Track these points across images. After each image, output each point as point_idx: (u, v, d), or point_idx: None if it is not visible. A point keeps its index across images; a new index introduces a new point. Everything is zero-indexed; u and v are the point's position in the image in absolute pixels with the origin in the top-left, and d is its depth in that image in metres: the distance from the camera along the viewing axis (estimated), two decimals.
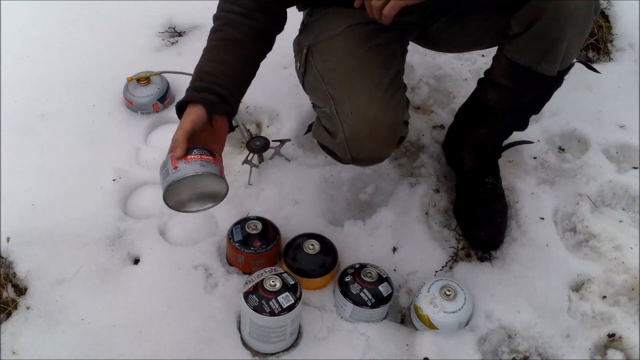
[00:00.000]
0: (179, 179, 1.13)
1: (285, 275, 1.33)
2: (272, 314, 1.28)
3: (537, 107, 1.53)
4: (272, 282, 1.31)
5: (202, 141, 1.21)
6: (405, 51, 1.51)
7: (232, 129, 1.32)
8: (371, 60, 1.37)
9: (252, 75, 1.34)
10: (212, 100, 1.22)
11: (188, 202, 1.21)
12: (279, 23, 1.38)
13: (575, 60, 1.41)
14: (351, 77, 1.36)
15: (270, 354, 1.38)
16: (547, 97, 1.50)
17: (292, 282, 1.33)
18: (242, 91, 1.33)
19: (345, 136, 1.34)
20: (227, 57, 1.29)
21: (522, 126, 1.60)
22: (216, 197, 1.22)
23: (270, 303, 1.28)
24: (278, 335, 1.33)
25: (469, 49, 1.64)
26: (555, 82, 1.43)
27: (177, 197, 1.18)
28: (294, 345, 1.41)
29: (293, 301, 1.29)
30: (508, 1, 1.32)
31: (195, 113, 1.20)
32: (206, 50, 1.32)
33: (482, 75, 1.57)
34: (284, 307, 1.28)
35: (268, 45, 1.37)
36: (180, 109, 1.24)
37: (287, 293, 1.30)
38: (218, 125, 1.24)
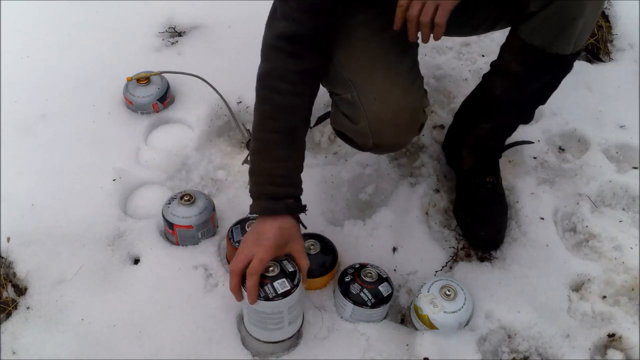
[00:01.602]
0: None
1: (285, 262, 1.31)
2: (267, 298, 1.26)
3: (544, 96, 1.52)
4: (271, 267, 1.29)
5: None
6: (417, 44, 1.50)
7: (304, 211, 1.35)
8: (390, 47, 1.36)
9: (305, 149, 1.37)
10: (293, 205, 1.30)
11: None
12: (319, 84, 1.37)
13: (585, 44, 1.40)
14: (371, 63, 1.35)
15: (271, 342, 1.36)
16: (555, 84, 1.49)
17: (291, 269, 1.30)
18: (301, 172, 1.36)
19: (369, 121, 1.33)
20: (291, 152, 1.31)
21: (527, 119, 1.59)
22: None
23: (266, 288, 1.26)
24: (275, 322, 1.31)
25: (483, 31, 1.62)
26: (566, 66, 1.43)
27: None
28: (296, 341, 1.40)
29: (289, 287, 1.27)
30: None
31: (276, 234, 1.26)
32: (266, 146, 1.30)
33: (483, 76, 1.57)
34: (279, 292, 1.26)
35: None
36: (259, 212, 1.29)
37: (283, 279, 1.28)
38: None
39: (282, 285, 1.27)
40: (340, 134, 1.46)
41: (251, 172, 1.32)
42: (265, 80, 1.29)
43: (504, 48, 1.46)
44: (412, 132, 1.39)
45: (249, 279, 1.23)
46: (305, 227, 1.37)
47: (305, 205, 1.33)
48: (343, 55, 1.38)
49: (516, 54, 1.42)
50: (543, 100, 1.54)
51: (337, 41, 1.39)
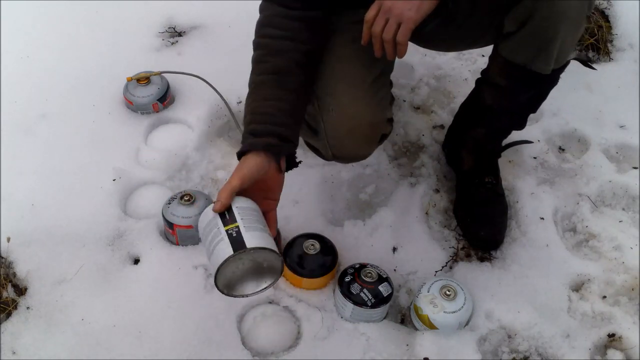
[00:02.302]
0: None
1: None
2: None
3: (534, 107, 1.53)
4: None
5: (255, 194, 1.13)
6: None
7: (295, 164, 1.25)
8: (358, 58, 1.36)
9: (307, 101, 1.29)
10: (275, 143, 1.16)
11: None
12: (325, 37, 1.32)
13: (571, 58, 1.41)
14: (336, 75, 1.36)
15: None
16: (543, 96, 1.50)
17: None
18: (301, 121, 1.27)
19: (326, 133, 1.35)
20: (279, 91, 1.22)
21: (520, 125, 1.60)
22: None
23: None
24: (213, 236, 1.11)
25: (467, 47, 1.64)
26: (551, 80, 1.43)
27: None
28: (293, 345, 1.40)
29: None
30: (501, 1, 1.31)
31: (249, 166, 1.13)
32: (254, 87, 1.25)
33: (476, 81, 1.57)
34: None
35: (318, 65, 1.33)
36: (239, 150, 1.17)
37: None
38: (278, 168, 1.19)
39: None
40: (307, 143, 1.48)
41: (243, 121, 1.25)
42: (259, 29, 1.29)
43: (491, 59, 1.47)
44: (370, 145, 1.39)
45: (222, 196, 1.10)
46: (297, 165, 1.23)
47: (292, 143, 1.21)
48: None
49: (501, 69, 1.43)
50: (533, 110, 1.55)
51: None
